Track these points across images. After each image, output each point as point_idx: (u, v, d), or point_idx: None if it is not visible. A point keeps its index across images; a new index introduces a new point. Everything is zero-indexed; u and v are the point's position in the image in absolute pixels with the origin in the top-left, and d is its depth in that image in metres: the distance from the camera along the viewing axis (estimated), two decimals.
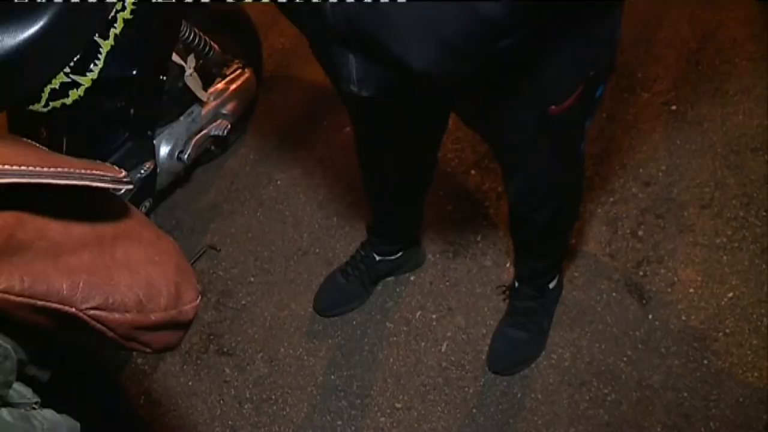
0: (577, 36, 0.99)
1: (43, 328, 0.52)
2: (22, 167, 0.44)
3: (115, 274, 0.53)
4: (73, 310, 0.50)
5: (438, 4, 0.74)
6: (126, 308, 0.53)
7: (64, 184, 0.46)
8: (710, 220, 1.83)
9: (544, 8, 0.75)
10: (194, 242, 2.01)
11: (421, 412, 1.62)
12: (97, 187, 0.50)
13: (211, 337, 1.81)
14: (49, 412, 0.53)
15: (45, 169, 0.46)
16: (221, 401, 1.70)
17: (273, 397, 1.69)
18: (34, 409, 0.54)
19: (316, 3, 0.85)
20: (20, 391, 0.54)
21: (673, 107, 2.09)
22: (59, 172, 0.46)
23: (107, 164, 0.53)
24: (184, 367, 1.77)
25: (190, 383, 1.74)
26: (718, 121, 2.03)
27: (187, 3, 1.70)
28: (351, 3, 0.81)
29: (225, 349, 1.79)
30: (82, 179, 0.48)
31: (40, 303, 0.48)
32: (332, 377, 1.71)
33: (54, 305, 0.49)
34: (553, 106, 1.07)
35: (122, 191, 0.56)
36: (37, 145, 0.54)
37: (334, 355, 1.75)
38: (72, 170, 0.47)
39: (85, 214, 0.53)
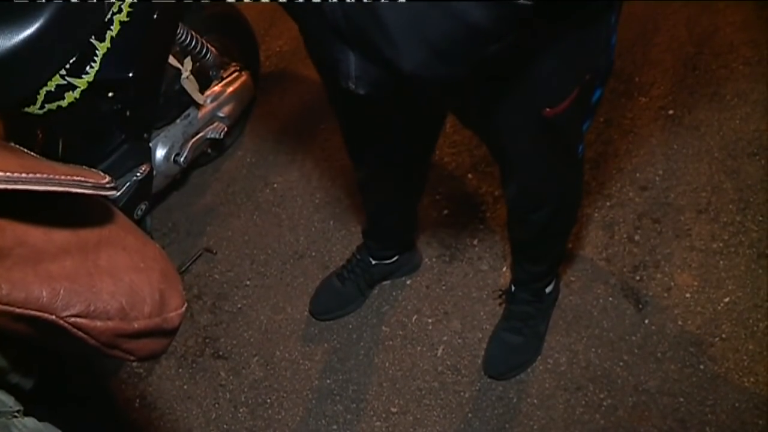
0: (571, 40, 0.99)
1: (23, 335, 0.51)
2: (0, 173, 0.44)
3: (98, 281, 0.52)
4: (53, 317, 0.49)
5: (427, 8, 0.74)
6: (108, 316, 0.52)
7: (43, 190, 0.46)
8: (707, 225, 1.82)
9: (533, 16, 0.75)
10: (190, 245, 2.01)
11: (416, 417, 1.62)
12: (78, 193, 0.49)
13: (207, 340, 1.81)
14: (30, 421, 0.53)
15: (24, 175, 0.45)
16: (216, 405, 1.70)
17: (268, 401, 1.69)
18: (15, 417, 0.53)
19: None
20: (1, 399, 0.53)
21: (670, 112, 2.09)
22: (38, 177, 0.46)
23: (91, 170, 0.52)
24: (180, 370, 1.76)
25: (185, 387, 1.74)
26: (715, 125, 2.03)
27: (184, 4, 1.70)
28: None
29: (220, 353, 1.78)
30: (61, 185, 0.47)
31: (18, 310, 0.47)
32: (328, 381, 1.70)
33: (33, 313, 0.48)
34: (548, 108, 1.07)
35: (117, 195, 0.55)
36: (22, 149, 0.54)
37: (330, 359, 1.74)
38: (52, 176, 0.47)
39: (68, 220, 0.52)
